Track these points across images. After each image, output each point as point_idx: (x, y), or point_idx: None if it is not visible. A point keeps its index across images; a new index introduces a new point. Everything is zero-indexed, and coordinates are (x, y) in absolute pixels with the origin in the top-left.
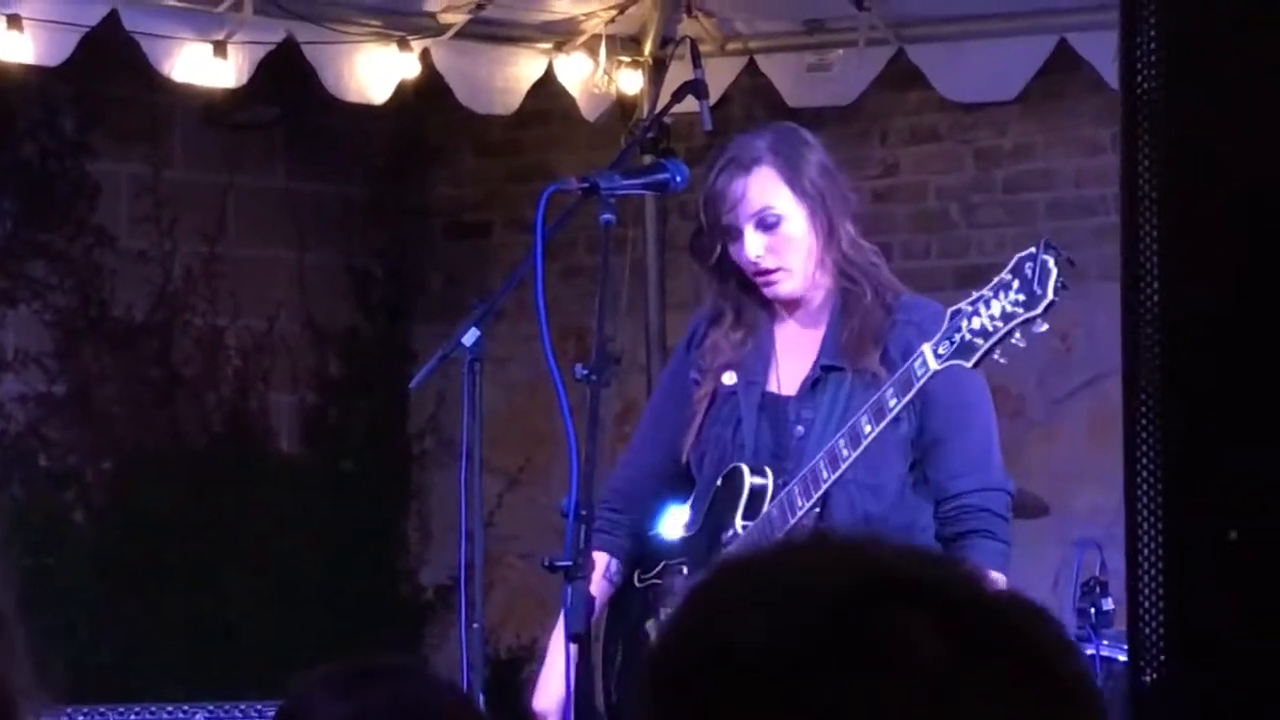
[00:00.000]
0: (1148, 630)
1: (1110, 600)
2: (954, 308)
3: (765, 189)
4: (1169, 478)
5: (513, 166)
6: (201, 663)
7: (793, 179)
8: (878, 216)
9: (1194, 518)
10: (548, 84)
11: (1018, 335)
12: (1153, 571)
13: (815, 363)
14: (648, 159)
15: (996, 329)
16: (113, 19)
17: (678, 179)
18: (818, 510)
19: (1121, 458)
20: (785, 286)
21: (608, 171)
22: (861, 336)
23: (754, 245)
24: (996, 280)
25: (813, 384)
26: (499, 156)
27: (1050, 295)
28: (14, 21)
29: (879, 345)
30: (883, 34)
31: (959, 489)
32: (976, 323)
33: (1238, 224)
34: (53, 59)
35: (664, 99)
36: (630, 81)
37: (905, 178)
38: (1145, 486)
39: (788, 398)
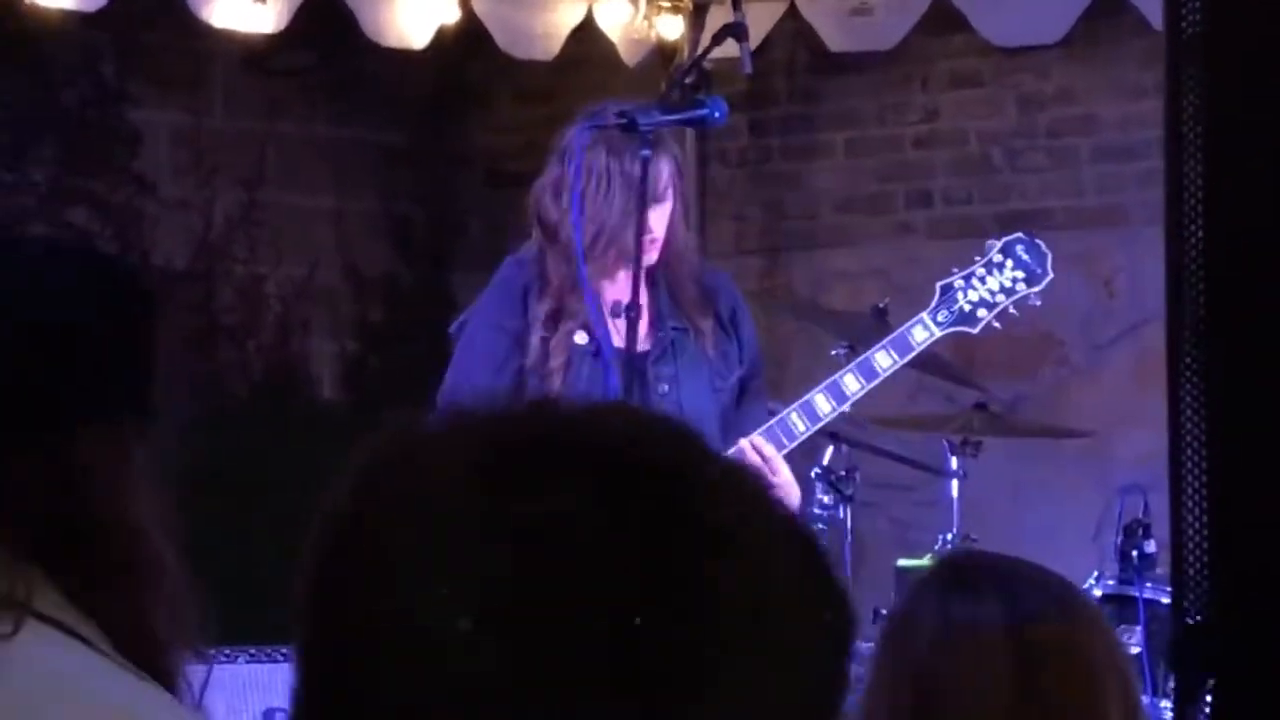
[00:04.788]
0: (1192, 571)
1: (1153, 543)
2: (942, 282)
3: (671, 167)
4: (1213, 417)
5: (552, 113)
6: (237, 613)
7: (673, 160)
8: (918, 163)
9: (1240, 460)
10: (587, 29)
11: (1013, 308)
12: (1197, 512)
13: (663, 324)
14: None
15: (998, 302)
16: None
17: (716, 114)
18: None
19: (1166, 402)
20: (655, 255)
21: (645, 106)
22: (692, 300)
23: (657, 218)
24: (985, 260)
25: (666, 344)
26: (538, 103)
27: (1050, 273)
28: None
29: (710, 307)
30: None
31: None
32: (974, 295)
33: None
34: (92, 5)
35: (704, 43)
36: (670, 27)
37: (946, 123)
38: (1190, 425)
39: (644, 355)
